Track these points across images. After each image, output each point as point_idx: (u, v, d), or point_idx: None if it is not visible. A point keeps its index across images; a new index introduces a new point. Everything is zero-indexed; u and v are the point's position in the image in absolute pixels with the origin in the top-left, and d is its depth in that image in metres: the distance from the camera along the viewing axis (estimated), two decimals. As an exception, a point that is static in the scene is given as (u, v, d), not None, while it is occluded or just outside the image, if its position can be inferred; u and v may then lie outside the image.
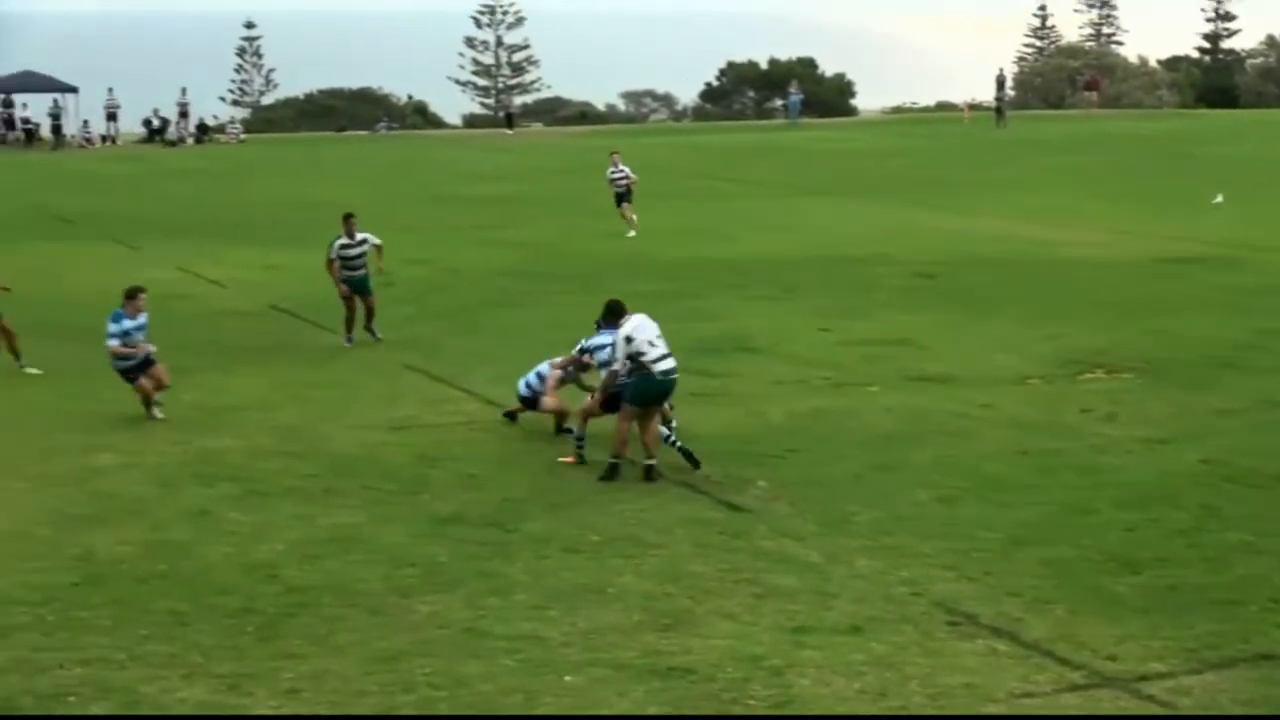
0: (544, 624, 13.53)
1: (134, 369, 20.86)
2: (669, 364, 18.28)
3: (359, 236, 26.27)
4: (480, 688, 12.20)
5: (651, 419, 18.38)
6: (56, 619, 13.76)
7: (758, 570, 14.84)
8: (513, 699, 11.99)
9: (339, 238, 26.15)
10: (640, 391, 18.20)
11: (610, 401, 18.67)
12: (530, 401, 20.20)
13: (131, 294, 21.22)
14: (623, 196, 41.01)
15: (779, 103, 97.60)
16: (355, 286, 26.12)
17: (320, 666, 12.66)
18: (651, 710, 11.76)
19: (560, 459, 18.87)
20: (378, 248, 26.52)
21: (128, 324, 20.85)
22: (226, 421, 20.70)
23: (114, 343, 20.81)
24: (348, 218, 26.53)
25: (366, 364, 24.72)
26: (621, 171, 41.05)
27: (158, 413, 20.90)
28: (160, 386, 21.04)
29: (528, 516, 16.63)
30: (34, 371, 24.00)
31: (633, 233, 39.98)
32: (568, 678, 12.38)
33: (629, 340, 18.19)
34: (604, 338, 19.12)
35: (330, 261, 26.13)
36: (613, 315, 19.14)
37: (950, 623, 13.51)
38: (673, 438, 18.91)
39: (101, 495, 17.56)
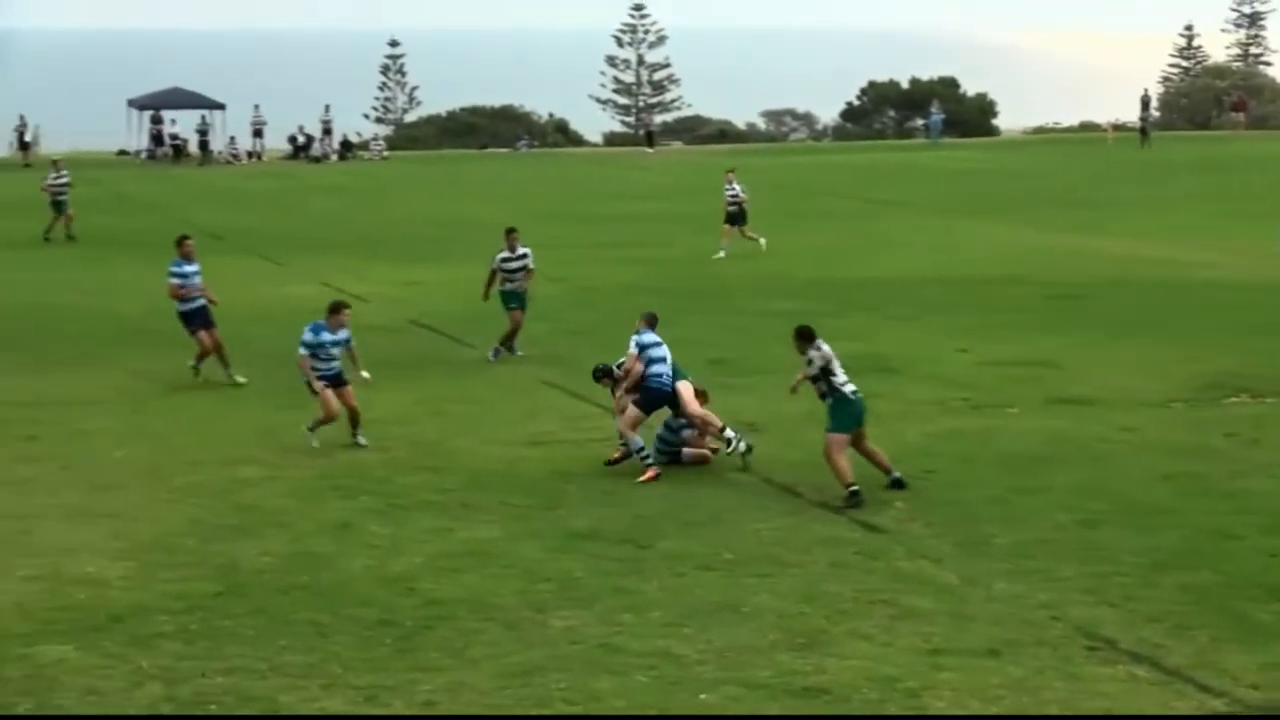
0: (679, 641, 13.56)
1: (329, 379, 20.77)
2: (852, 385, 18.47)
3: (519, 250, 26.59)
4: (614, 704, 12.25)
5: (864, 439, 18.47)
6: (200, 628, 13.99)
7: (894, 591, 14.78)
8: (646, 715, 12.01)
9: (501, 251, 26.49)
10: (848, 417, 18.21)
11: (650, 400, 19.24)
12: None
13: (335, 308, 21.13)
14: (734, 217, 40.23)
15: (920, 122, 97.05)
16: (511, 300, 26.44)
17: (456, 679, 12.77)
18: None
19: (640, 479, 18.85)
20: (529, 271, 26.69)
21: (325, 337, 20.81)
22: (367, 435, 20.88)
23: (304, 352, 20.75)
24: (510, 232, 26.94)
25: (505, 380, 24.87)
26: (734, 190, 40.29)
27: (360, 438, 20.73)
28: (354, 412, 20.84)
29: (663, 533, 16.66)
30: (241, 380, 24.50)
31: (722, 254, 39.24)
32: (702, 696, 12.40)
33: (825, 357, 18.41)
34: (649, 335, 19.79)
35: (492, 274, 26.57)
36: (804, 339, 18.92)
37: (1089, 647, 13.38)
38: (732, 447, 19.24)
39: (245, 507, 17.82)
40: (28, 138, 75.80)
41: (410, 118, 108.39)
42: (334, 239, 44.82)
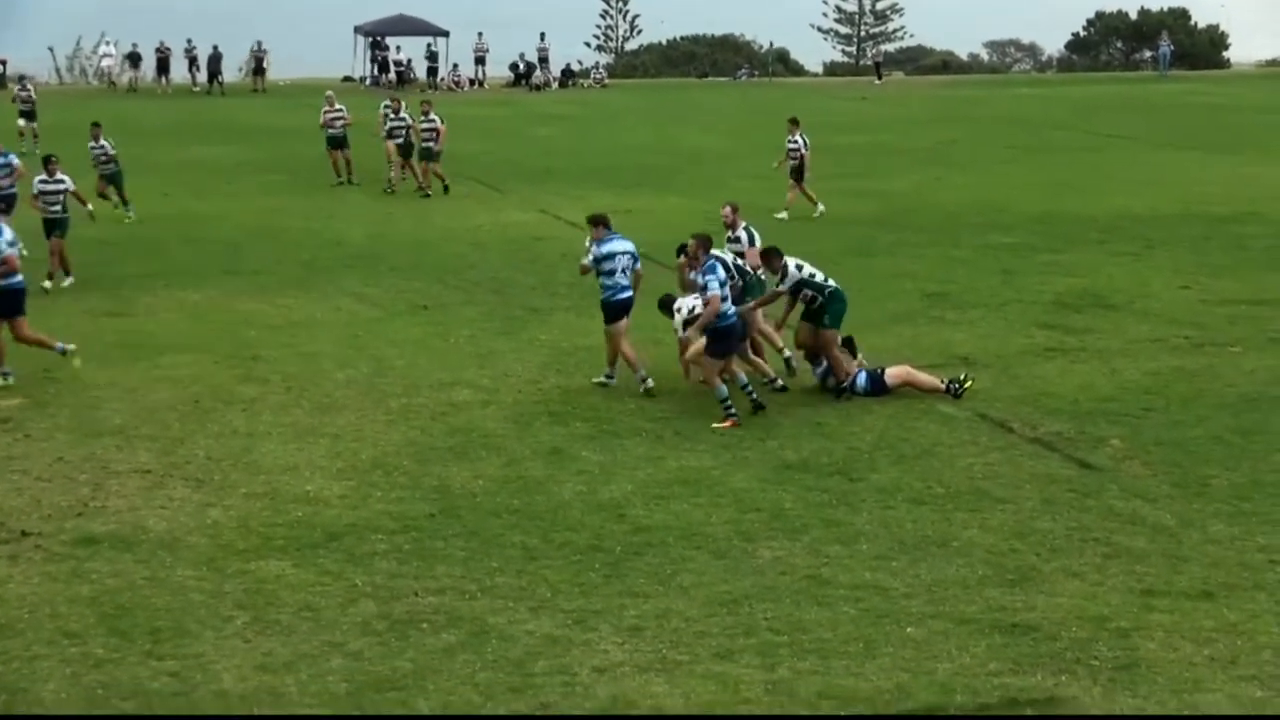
0: (887, 574, 13.50)
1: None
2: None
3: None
4: (820, 634, 12.24)
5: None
6: (412, 548, 14.23)
7: (1108, 530, 14.56)
8: (852, 647, 11.99)
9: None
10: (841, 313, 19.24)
11: (719, 341, 18.60)
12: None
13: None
14: (798, 170, 36.25)
15: (1147, 54, 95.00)
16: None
17: (663, 606, 12.84)
18: (992, 665, 11.65)
19: (715, 425, 18.26)
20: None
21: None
22: (582, 361, 21.05)
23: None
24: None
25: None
26: (795, 143, 36.28)
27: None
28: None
29: (874, 467, 16.59)
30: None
31: (783, 214, 35.05)
32: (909, 629, 12.34)
33: (800, 269, 19.06)
34: (720, 272, 18.85)
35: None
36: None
37: (1309, 593, 13.08)
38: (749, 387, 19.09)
39: (459, 430, 18.07)
40: (265, 64, 77.15)
41: (631, 46, 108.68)
42: (553, 166, 45.13)
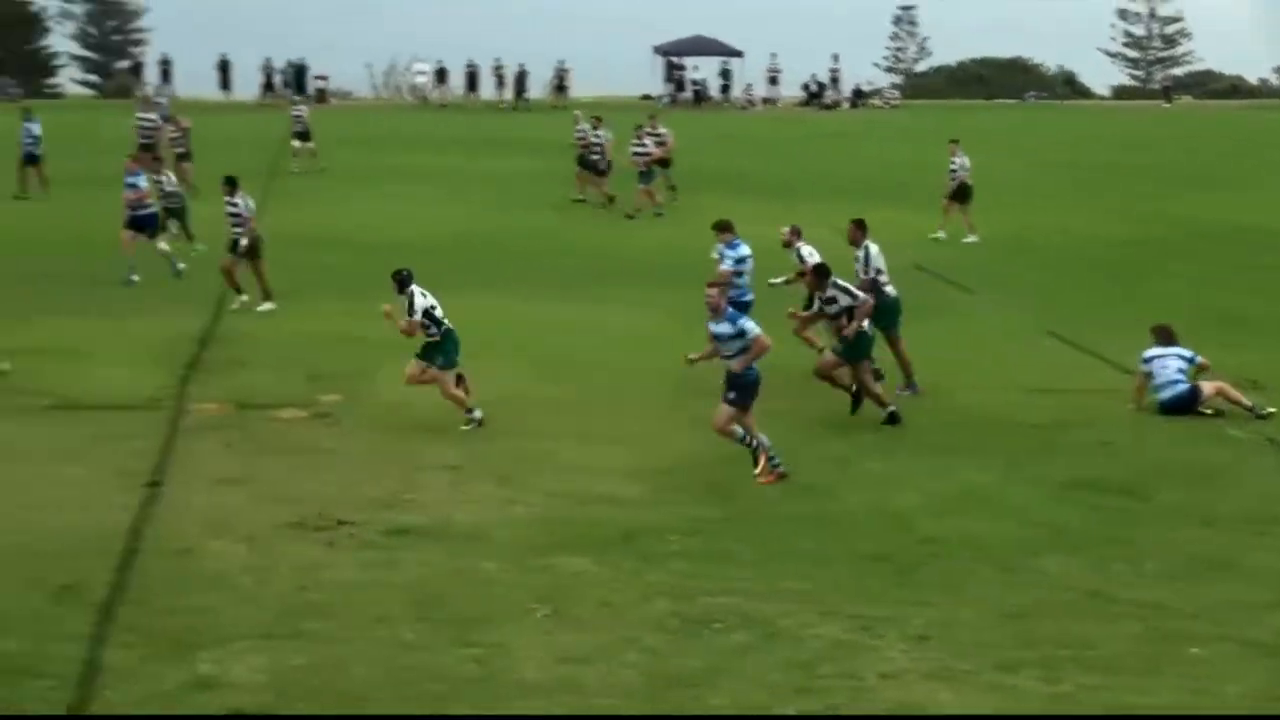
0: (1171, 594, 13.50)
1: None
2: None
3: None
4: (1103, 650, 12.29)
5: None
6: (705, 549, 14.62)
7: (1403, 559, 14.39)
8: (1136, 664, 12.04)
9: None
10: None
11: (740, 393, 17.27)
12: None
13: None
14: (958, 193, 35.92)
15: None
16: None
17: (950, 615, 13.01)
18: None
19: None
20: None
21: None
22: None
23: None
24: None
25: (1006, 327, 24.95)
26: (954, 164, 36.09)
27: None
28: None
29: (1161, 486, 16.59)
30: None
31: (941, 233, 35.47)
32: (1193, 649, 12.33)
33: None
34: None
35: None
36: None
37: None
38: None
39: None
40: (567, 82, 79.00)
41: (920, 68, 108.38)
42: (841, 183, 45.31)
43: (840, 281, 19.53)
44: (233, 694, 11.40)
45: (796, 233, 22.70)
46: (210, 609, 13.01)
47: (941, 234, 35.44)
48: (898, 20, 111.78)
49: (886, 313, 20.54)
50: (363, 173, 46.56)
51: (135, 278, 28.01)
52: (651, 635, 12.57)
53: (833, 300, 19.35)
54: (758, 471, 16.89)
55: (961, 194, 35.75)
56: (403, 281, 19.12)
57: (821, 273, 19.68)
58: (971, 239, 35.02)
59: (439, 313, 18.99)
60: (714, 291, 17.21)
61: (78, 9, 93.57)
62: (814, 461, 17.55)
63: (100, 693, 11.41)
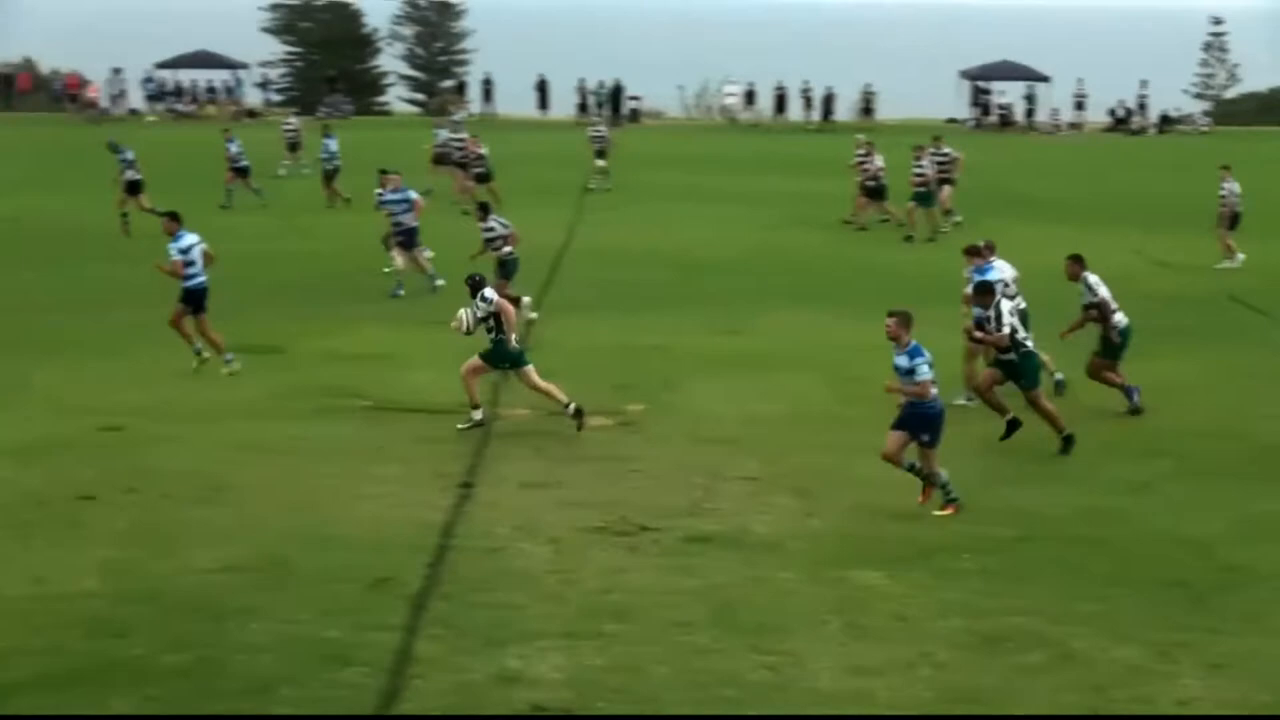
0: None
1: None
2: None
3: None
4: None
5: None
6: (999, 568, 14.75)
7: None
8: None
9: None
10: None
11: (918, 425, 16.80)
12: None
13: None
14: (1230, 220, 34.57)
15: None
16: None
17: (1250, 645, 12.91)
18: None
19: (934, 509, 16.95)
20: None
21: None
22: (1162, 401, 21.05)
23: None
24: None
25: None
26: (1223, 190, 34.63)
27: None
28: None
29: None
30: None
31: (1227, 263, 34.07)
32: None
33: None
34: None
35: None
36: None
37: None
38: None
39: (1035, 459, 18.58)
40: (873, 105, 79.41)
41: (1229, 94, 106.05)
42: (1145, 210, 44.55)
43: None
44: (535, 690, 11.86)
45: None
46: (516, 606, 13.54)
47: (1228, 263, 34.09)
48: (1207, 46, 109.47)
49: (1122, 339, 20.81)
50: (664, 189, 47.31)
51: (440, 282, 28.89)
52: (945, 651, 12.72)
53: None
54: (922, 499, 16.72)
55: (1232, 221, 34.75)
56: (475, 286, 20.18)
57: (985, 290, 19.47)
58: (1227, 264, 34.06)
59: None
60: (892, 322, 16.59)
61: (407, 31, 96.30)
62: (1108, 484, 17.52)
63: (410, 681, 11.97)
